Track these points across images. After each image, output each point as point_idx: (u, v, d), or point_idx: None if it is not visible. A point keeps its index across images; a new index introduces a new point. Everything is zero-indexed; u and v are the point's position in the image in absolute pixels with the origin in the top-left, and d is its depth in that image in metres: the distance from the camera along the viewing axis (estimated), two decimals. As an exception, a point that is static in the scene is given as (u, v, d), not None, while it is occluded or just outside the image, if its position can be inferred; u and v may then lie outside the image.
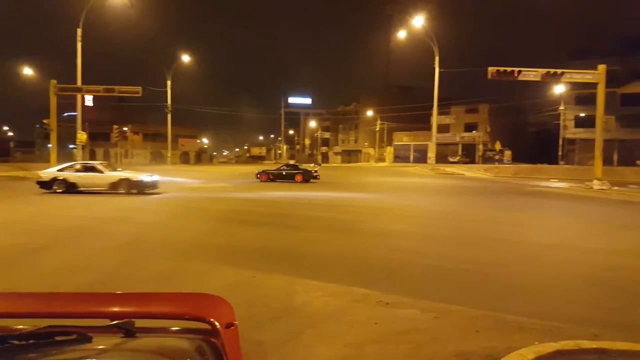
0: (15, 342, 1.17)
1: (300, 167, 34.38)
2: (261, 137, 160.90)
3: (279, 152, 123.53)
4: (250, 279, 6.86)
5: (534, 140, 76.77)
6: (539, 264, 8.45)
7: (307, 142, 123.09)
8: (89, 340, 1.25)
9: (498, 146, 49.83)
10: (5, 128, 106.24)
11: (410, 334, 4.60)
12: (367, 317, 5.14)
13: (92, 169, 21.21)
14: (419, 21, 42.62)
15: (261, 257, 8.61)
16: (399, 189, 27.19)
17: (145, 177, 21.37)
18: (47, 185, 20.77)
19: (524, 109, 71.88)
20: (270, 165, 48.82)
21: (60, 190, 20.39)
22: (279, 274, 7.14)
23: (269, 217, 14.53)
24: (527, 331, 4.69)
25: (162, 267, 7.72)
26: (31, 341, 1.19)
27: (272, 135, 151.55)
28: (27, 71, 47.78)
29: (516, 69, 27.11)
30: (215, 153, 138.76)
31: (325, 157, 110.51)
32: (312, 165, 44.17)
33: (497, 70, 27.17)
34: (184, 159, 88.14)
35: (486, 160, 62.65)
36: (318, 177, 31.54)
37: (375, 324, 4.90)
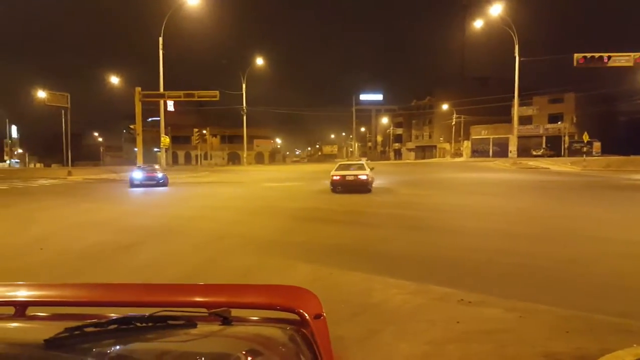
0: (138, 324, 1.31)
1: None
2: (333, 135, 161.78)
3: (351, 149, 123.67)
4: (328, 276, 6.92)
5: (626, 130, 71.26)
6: (633, 262, 7.87)
7: (379, 138, 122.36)
8: (194, 325, 1.36)
9: (586, 137, 46.80)
10: (96, 134, 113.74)
11: (495, 334, 4.44)
12: (448, 315, 5.02)
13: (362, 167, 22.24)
14: (496, 9, 41.08)
15: (337, 254, 8.65)
16: (477, 184, 26.34)
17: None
18: None
19: (614, 97, 67.03)
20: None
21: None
22: (356, 271, 7.14)
23: (342, 214, 14.57)
24: (623, 332, 4.39)
25: (243, 263, 7.98)
26: (150, 324, 1.32)
27: (343, 133, 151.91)
28: (114, 80, 51.03)
29: (605, 55, 25.45)
30: (288, 152, 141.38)
31: (398, 154, 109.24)
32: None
33: (584, 57, 25.70)
34: (259, 159, 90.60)
35: (573, 152, 59.13)
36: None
37: (457, 322, 4.77)
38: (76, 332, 1.20)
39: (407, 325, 4.86)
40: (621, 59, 25.44)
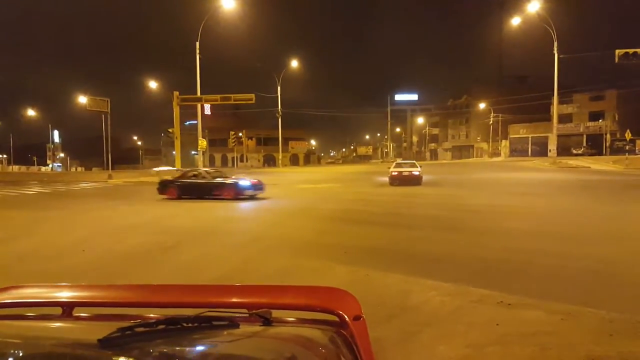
0: (184, 324, 1.35)
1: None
2: (367, 136, 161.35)
3: (386, 150, 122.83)
4: (364, 277, 6.93)
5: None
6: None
7: (415, 139, 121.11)
8: (237, 326, 1.39)
9: (629, 135, 45.19)
10: (135, 137, 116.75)
11: (536, 336, 4.38)
12: (488, 318, 4.97)
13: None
14: (534, 6, 40.11)
15: (373, 255, 8.66)
16: (515, 184, 25.80)
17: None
18: None
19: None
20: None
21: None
22: (393, 272, 7.13)
23: (378, 216, 14.53)
24: (671, 337, 4.26)
25: (280, 264, 8.07)
26: (195, 324, 1.36)
27: (378, 134, 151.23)
28: (152, 84, 52.15)
29: (649, 50, 24.53)
30: (322, 154, 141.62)
31: (434, 154, 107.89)
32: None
33: (626, 53, 24.83)
34: (294, 160, 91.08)
35: (615, 151, 57.26)
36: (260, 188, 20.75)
37: (497, 325, 4.72)
38: (128, 332, 1.24)
39: (446, 328, 4.84)
40: (666, 54, 24.52)
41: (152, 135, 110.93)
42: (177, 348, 1.26)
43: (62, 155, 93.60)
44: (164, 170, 30.55)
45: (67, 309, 1.64)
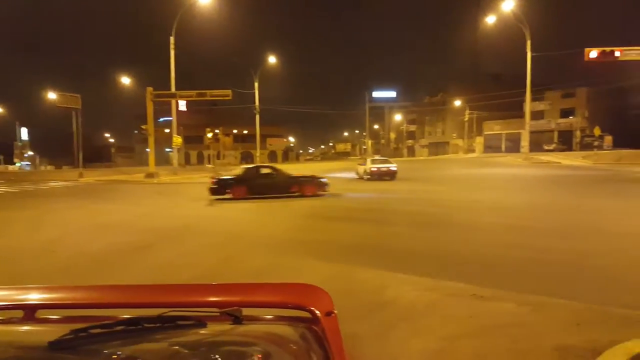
0: (146, 324, 1.32)
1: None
2: (346, 133, 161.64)
3: (364, 147, 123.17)
4: (341, 273, 6.98)
5: (638, 124, 70.17)
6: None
7: (393, 136, 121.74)
8: (204, 325, 1.38)
9: (597, 131, 46.38)
10: (107, 135, 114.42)
11: (507, 328, 4.50)
12: (462, 310, 5.09)
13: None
14: (508, 5, 40.73)
15: (351, 252, 8.73)
16: (489, 180, 26.27)
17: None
18: None
19: (626, 91, 66.16)
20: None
21: None
22: (370, 268, 7.22)
23: (357, 212, 14.66)
24: (635, 324, 4.44)
25: (259, 263, 8.07)
26: (158, 324, 1.33)
27: (357, 131, 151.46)
28: (125, 80, 51.21)
29: (617, 49, 25.19)
30: (301, 151, 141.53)
31: (412, 150, 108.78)
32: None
33: (595, 51, 25.40)
34: (272, 157, 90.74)
35: (584, 146, 58.63)
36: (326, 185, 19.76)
37: (470, 317, 4.84)
38: (81, 334, 1.20)
39: (421, 321, 4.93)
40: (632, 53, 25.20)
41: (124, 133, 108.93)
42: (137, 349, 1.21)
43: (30, 153, 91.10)
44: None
45: (28, 312, 1.59)
